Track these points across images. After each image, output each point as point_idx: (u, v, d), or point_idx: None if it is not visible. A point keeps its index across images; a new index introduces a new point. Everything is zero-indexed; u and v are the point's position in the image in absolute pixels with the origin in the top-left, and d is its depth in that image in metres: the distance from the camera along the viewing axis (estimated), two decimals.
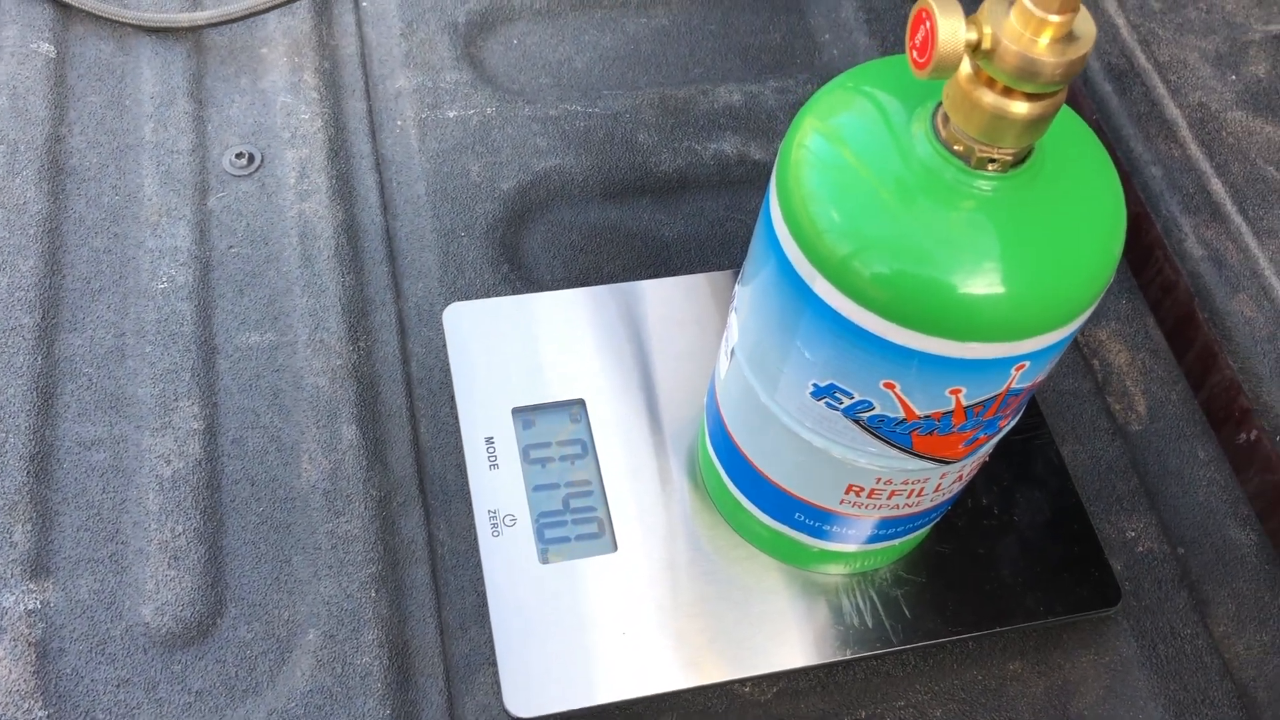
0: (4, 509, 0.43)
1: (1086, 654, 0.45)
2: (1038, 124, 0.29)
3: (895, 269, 0.30)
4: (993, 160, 0.30)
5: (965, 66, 0.29)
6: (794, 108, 0.58)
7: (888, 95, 0.32)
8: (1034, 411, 0.49)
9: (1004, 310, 0.30)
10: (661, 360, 0.48)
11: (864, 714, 0.43)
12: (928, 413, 0.33)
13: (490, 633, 0.42)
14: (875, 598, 0.43)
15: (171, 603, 0.42)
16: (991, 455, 0.46)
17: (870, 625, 0.43)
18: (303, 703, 0.41)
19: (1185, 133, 0.60)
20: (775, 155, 0.57)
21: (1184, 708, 0.44)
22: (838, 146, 0.32)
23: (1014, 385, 0.33)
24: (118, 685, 0.41)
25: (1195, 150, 0.60)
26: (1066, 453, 0.49)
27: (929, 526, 0.43)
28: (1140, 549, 0.47)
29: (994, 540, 0.45)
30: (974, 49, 0.28)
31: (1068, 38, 0.28)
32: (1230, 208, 0.58)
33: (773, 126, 0.58)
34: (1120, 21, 0.64)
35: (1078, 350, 0.53)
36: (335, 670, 0.42)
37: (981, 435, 0.35)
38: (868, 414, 0.34)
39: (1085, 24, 0.28)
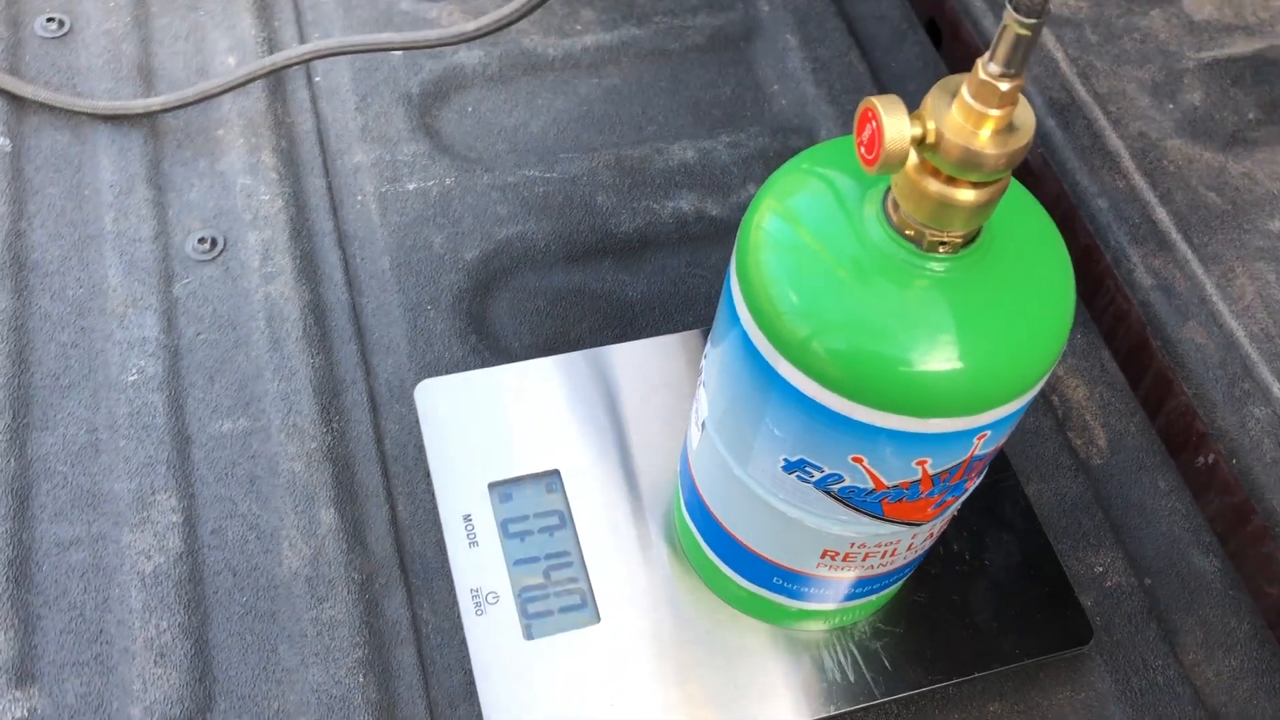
0: None
1: (1063, 691, 0.46)
2: (984, 209, 0.30)
3: (855, 350, 0.31)
4: (943, 243, 0.31)
5: (911, 157, 0.30)
6: (747, 161, 0.60)
7: (842, 176, 0.33)
8: (999, 454, 0.50)
9: (963, 387, 0.31)
10: (634, 425, 0.49)
11: None
12: (896, 483, 0.34)
13: (480, 711, 0.42)
14: (856, 651, 0.44)
15: (160, 701, 0.43)
16: None
17: (853, 679, 0.43)
18: None
19: (1128, 163, 0.62)
20: (731, 210, 0.58)
21: None
22: (795, 228, 0.33)
23: (977, 452, 0.34)
24: None
25: (1139, 180, 0.61)
26: (1032, 492, 0.50)
27: (904, 579, 0.44)
28: (1109, 583, 0.48)
29: (967, 586, 0.46)
30: (919, 143, 0.29)
31: (1008, 129, 0.29)
32: (1175, 235, 0.59)
33: (727, 181, 0.59)
34: (1059, 55, 0.66)
35: None
36: None
37: (950, 498, 0.36)
38: (838, 486, 0.35)
39: (1025, 114, 0.29)
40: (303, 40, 0.61)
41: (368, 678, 0.44)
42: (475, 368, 0.51)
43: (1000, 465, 0.49)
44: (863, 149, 0.30)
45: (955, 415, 0.32)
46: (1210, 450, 0.54)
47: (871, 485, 0.35)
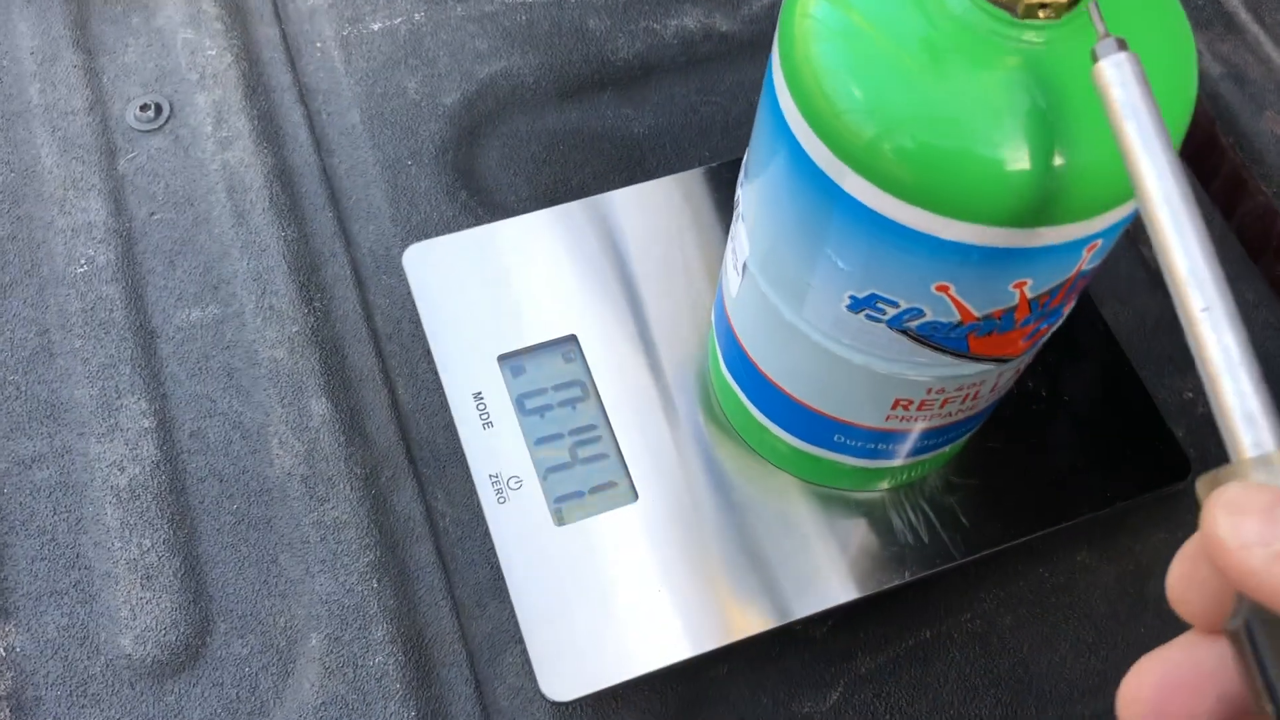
0: None
1: (1157, 533, 0.41)
2: None
3: (938, 148, 0.25)
4: (1044, 6, 0.25)
5: None
6: None
7: None
8: None
9: (1076, 185, 0.25)
10: (653, 278, 0.43)
11: (929, 634, 0.39)
12: (987, 312, 0.29)
13: (511, 607, 0.38)
14: (928, 509, 0.39)
15: (152, 627, 0.38)
16: None
17: (927, 541, 0.39)
18: (316, 717, 0.37)
19: None
20: (744, 24, 0.51)
21: None
22: (850, 12, 0.27)
23: (1084, 267, 0.28)
24: None
25: None
26: (1108, 314, 0.44)
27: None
28: (1201, 410, 0.43)
29: (1046, 426, 0.41)
30: None
31: None
32: (1245, 16, 0.52)
33: None
34: None
35: None
36: (347, 675, 0.37)
37: (1044, 326, 0.31)
38: (917, 322, 0.29)
39: None
40: None
41: (382, 582, 0.39)
42: (468, 227, 0.44)
43: None
44: None
45: (1067, 222, 0.26)
46: None
47: (958, 318, 0.29)
